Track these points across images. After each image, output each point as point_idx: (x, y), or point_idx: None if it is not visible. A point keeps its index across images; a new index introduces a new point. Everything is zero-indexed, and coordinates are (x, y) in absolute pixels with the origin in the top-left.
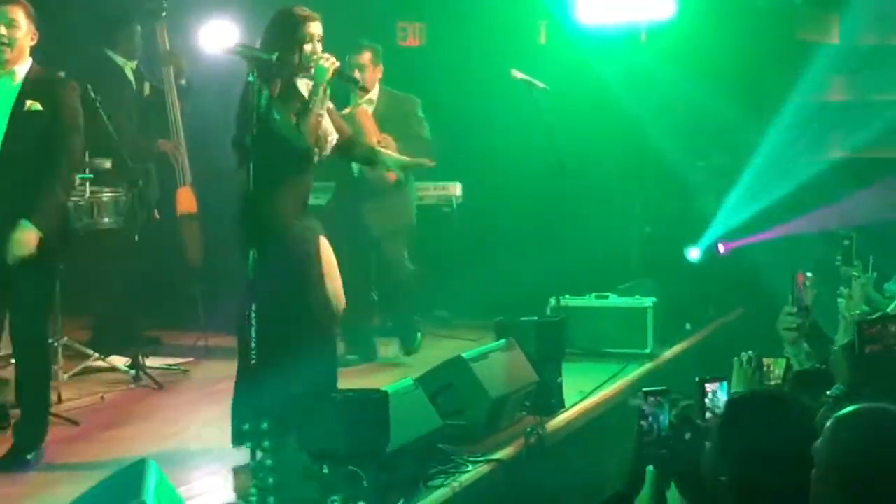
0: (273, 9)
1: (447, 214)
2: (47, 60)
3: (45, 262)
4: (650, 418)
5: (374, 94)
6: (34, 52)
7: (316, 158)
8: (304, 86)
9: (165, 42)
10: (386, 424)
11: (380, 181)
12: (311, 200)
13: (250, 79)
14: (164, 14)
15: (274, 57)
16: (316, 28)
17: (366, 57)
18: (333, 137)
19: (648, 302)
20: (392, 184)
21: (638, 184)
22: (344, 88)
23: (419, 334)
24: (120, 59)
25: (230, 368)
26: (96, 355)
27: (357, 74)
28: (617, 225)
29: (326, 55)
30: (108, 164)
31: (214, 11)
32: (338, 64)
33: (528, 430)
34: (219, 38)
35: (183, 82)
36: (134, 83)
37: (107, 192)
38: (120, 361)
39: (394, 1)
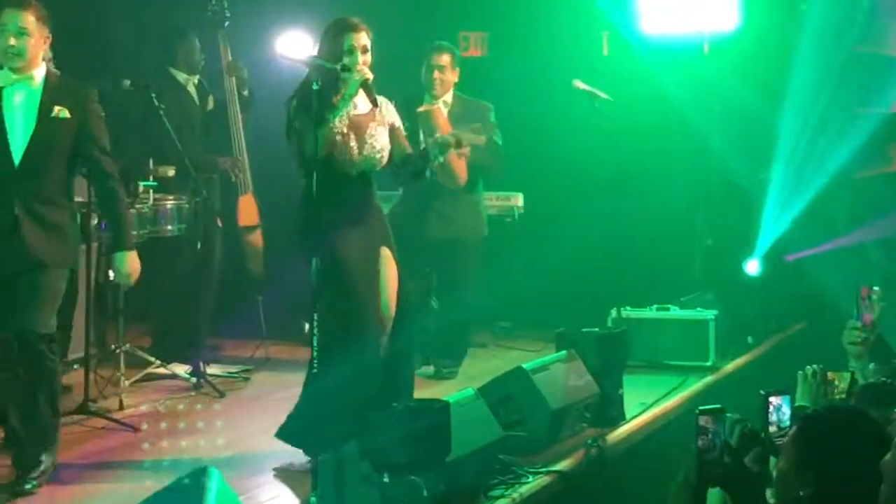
0: (336, 15)
1: (508, 225)
2: (109, 75)
3: (62, 266)
4: (709, 435)
5: (448, 97)
6: (48, 58)
7: (352, 169)
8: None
9: (227, 53)
10: (447, 434)
11: (450, 183)
12: None
13: (315, 87)
14: (226, 23)
15: (339, 66)
16: (359, 39)
17: (445, 58)
18: (384, 152)
19: (710, 314)
20: (463, 188)
21: (700, 196)
22: (418, 92)
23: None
24: (181, 76)
25: (291, 377)
26: (157, 362)
27: (437, 74)
28: (678, 237)
29: (361, 67)
30: (171, 171)
31: (279, 18)
32: (370, 76)
33: (589, 441)
34: (285, 45)
35: (245, 93)
36: (196, 98)
37: (170, 200)
38: (181, 369)
39: (456, 10)
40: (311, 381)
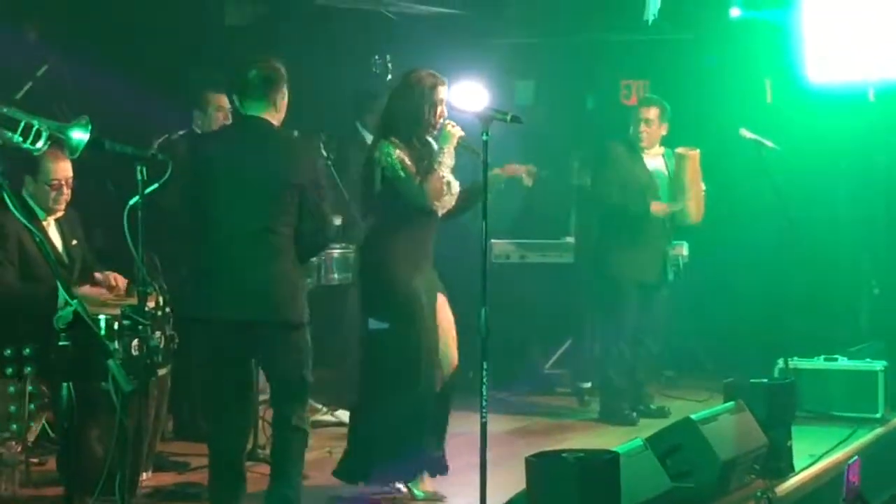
0: (502, 66)
1: (675, 274)
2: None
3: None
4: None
5: (657, 150)
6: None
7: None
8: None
9: None
10: (617, 486)
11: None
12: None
13: (484, 138)
14: (389, 77)
15: (509, 118)
16: (444, 92)
17: (653, 112)
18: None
19: (879, 365)
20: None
21: (867, 244)
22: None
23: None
24: (367, 134)
25: (454, 423)
26: (324, 409)
27: (643, 128)
28: (845, 286)
29: (452, 123)
30: (338, 220)
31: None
32: (462, 133)
33: (758, 493)
34: (456, 96)
35: None
36: None
37: (336, 249)
38: (346, 416)
39: (617, 59)
40: (365, 419)
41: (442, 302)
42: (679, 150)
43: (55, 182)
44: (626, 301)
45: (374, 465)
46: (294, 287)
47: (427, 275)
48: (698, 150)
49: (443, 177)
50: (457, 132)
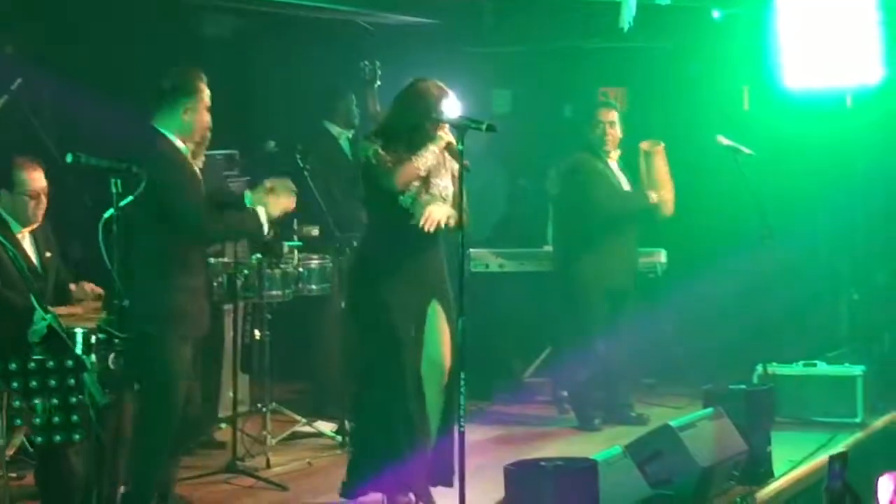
0: (480, 75)
1: (652, 281)
2: (265, 133)
3: None
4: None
5: (615, 154)
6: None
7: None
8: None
9: (377, 109)
10: (595, 493)
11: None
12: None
13: (460, 147)
14: (377, 83)
15: (484, 126)
16: (447, 105)
17: (613, 114)
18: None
19: (858, 370)
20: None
21: (846, 250)
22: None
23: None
24: (335, 130)
25: None
26: (303, 420)
27: (609, 130)
28: (824, 291)
29: (445, 128)
30: (315, 231)
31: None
32: (452, 140)
33: (738, 500)
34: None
35: None
36: (349, 152)
37: (314, 260)
38: (327, 427)
39: (594, 67)
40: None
41: (438, 310)
42: (644, 146)
43: (32, 192)
44: (596, 308)
45: (368, 477)
46: None
47: (419, 283)
48: (662, 143)
49: (418, 168)
50: (447, 137)
